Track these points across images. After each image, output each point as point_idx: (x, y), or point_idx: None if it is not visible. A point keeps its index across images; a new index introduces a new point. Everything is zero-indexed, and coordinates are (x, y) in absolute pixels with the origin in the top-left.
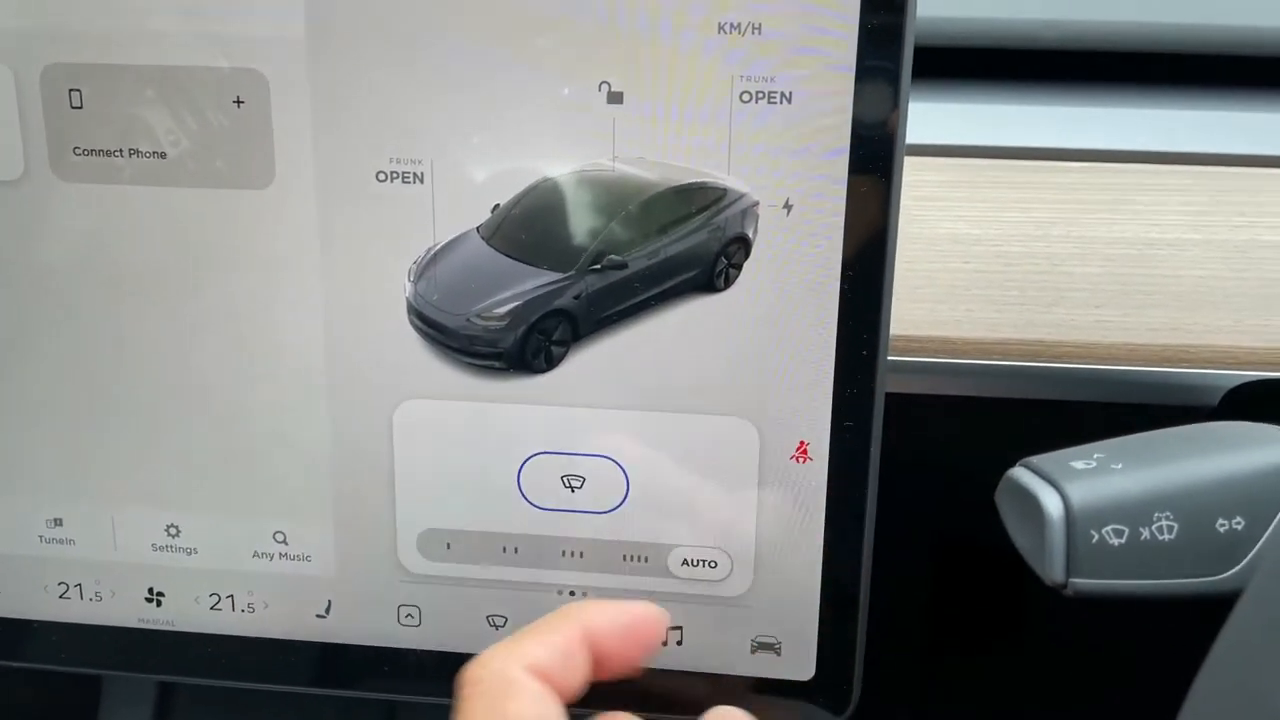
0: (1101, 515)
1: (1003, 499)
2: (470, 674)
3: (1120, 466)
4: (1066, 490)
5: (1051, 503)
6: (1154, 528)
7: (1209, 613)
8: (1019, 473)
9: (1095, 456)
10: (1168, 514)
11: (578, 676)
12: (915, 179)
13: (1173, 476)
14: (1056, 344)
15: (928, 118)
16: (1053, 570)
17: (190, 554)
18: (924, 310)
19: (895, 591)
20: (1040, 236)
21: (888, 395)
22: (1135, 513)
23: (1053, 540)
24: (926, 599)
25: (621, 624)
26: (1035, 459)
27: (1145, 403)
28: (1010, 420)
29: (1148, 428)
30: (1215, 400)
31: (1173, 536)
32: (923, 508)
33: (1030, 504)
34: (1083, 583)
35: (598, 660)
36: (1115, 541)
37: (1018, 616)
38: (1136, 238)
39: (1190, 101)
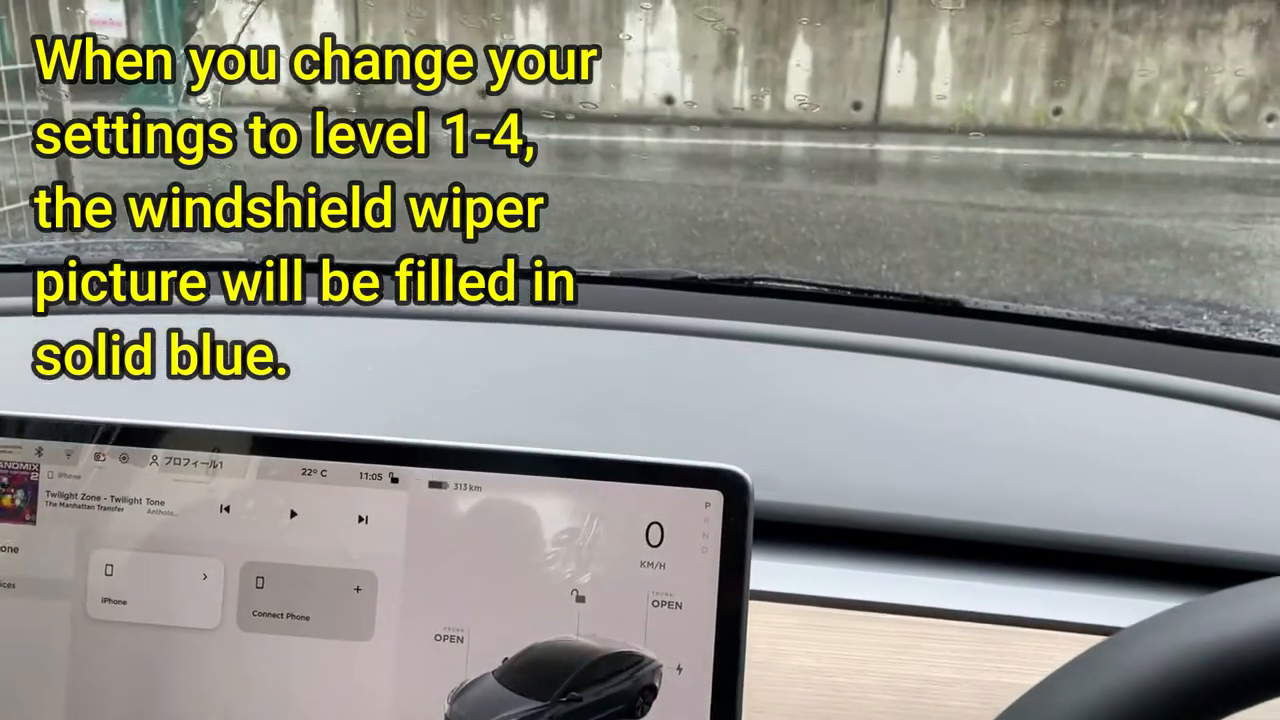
0: None
1: None
2: None
3: None
4: None
5: None
6: None
7: None
8: None
9: None
10: None
11: None
12: (775, 620)
13: None
14: None
15: (787, 572)
16: None
17: None
18: None
19: None
20: (859, 670)
21: None
22: None
23: None
24: None
25: None
26: None
27: None
28: None
29: None
30: None
31: None
32: None
33: None
34: None
35: None
36: None
37: None
38: (917, 675)
39: (964, 573)
